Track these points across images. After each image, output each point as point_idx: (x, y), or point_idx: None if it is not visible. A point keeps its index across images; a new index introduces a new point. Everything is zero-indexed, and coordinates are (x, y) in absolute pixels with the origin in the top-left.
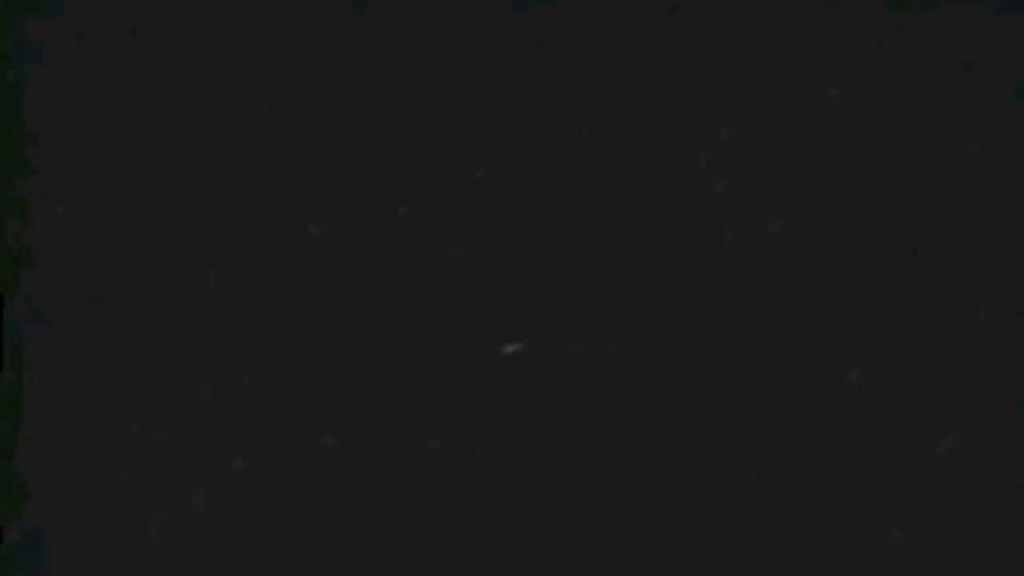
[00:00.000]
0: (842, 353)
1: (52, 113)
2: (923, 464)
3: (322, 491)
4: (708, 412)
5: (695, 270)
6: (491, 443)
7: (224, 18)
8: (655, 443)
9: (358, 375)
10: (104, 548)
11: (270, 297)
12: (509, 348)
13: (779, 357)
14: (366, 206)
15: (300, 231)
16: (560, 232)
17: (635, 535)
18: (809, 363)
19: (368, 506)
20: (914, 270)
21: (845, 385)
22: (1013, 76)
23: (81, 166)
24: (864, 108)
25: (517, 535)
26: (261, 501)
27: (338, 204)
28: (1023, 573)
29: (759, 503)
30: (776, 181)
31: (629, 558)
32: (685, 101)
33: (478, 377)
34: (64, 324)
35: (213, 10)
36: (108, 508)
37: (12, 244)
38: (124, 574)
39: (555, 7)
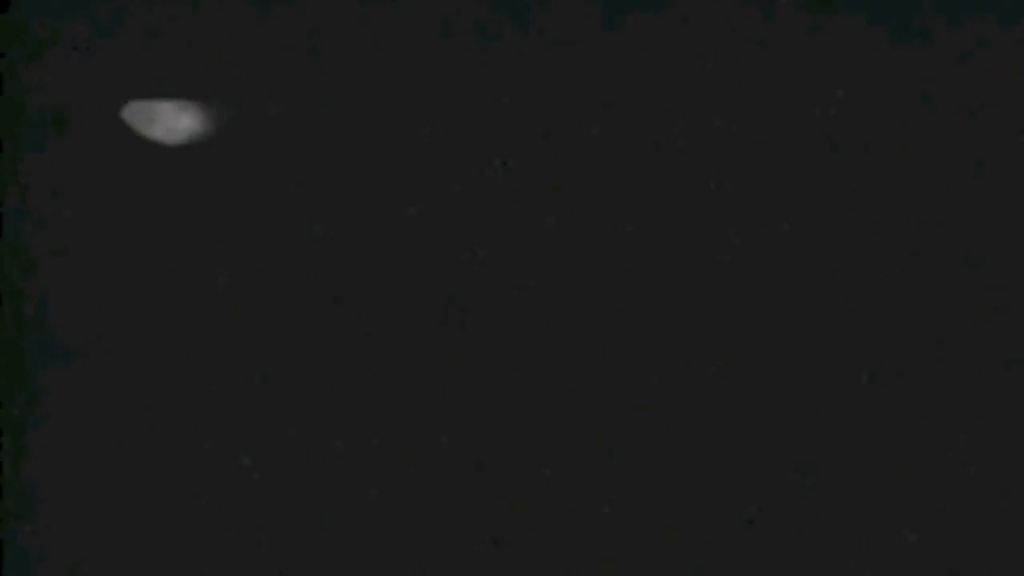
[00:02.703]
0: (853, 355)
1: (54, 113)
2: (933, 466)
3: (331, 491)
4: (718, 413)
5: (704, 271)
6: (502, 443)
7: (228, 17)
8: (664, 446)
9: (367, 375)
10: (110, 547)
11: (279, 298)
12: None
13: (789, 359)
14: (375, 206)
15: (308, 232)
16: (570, 231)
17: (644, 538)
18: (819, 365)
19: (376, 505)
20: (925, 272)
21: (855, 387)
22: (1019, 76)
23: (85, 168)
24: (870, 108)
25: (526, 534)
26: (269, 500)
27: (346, 205)
28: None
29: (769, 505)
30: (785, 181)
31: (639, 561)
32: (692, 100)
33: (487, 376)
34: (70, 325)
35: (217, 9)
36: (114, 508)
37: (18, 245)
38: (130, 573)
39: (562, 4)
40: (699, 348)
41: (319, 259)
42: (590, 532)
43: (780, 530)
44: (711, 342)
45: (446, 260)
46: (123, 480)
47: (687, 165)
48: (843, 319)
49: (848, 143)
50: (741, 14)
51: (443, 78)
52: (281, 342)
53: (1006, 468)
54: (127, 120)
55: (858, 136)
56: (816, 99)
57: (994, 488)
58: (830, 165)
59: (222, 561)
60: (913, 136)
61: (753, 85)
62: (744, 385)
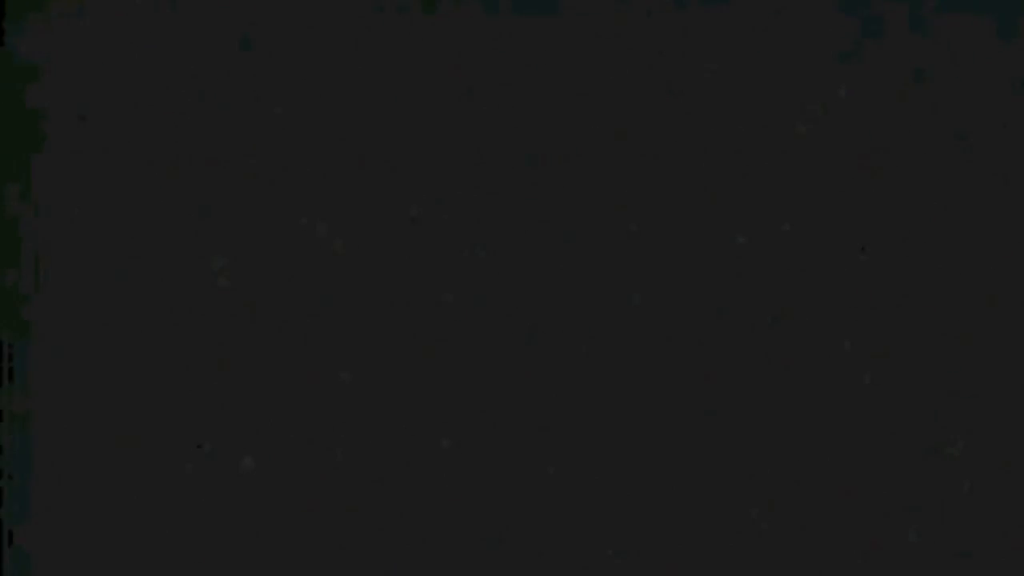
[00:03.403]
0: (856, 356)
1: (58, 113)
2: (937, 466)
3: (333, 492)
4: (720, 414)
5: (708, 271)
6: (504, 443)
7: (231, 15)
8: (666, 447)
9: (369, 376)
10: (111, 548)
11: (282, 299)
12: None
13: (792, 360)
14: (377, 207)
15: (309, 232)
16: (573, 232)
17: (646, 541)
18: (823, 366)
19: (378, 508)
20: (928, 271)
21: (858, 388)
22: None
23: (90, 166)
24: (873, 106)
25: (531, 535)
26: (271, 501)
27: (349, 205)
28: None
29: (772, 506)
30: (786, 181)
31: (641, 561)
32: (694, 101)
33: (489, 377)
34: (72, 322)
35: (221, 7)
36: (115, 508)
37: (25, 242)
38: (131, 573)
39: (566, 6)
40: (701, 348)
41: (321, 261)
42: (593, 533)
43: (787, 532)
44: (713, 341)
45: (448, 261)
46: (123, 481)
47: (688, 165)
48: (846, 320)
49: (849, 143)
50: (742, 13)
51: (446, 76)
52: (284, 343)
53: (1009, 468)
54: None
55: (860, 136)
56: (817, 98)
57: (997, 489)
58: (831, 164)
59: (226, 561)
60: (917, 136)
61: (754, 85)
62: (747, 386)
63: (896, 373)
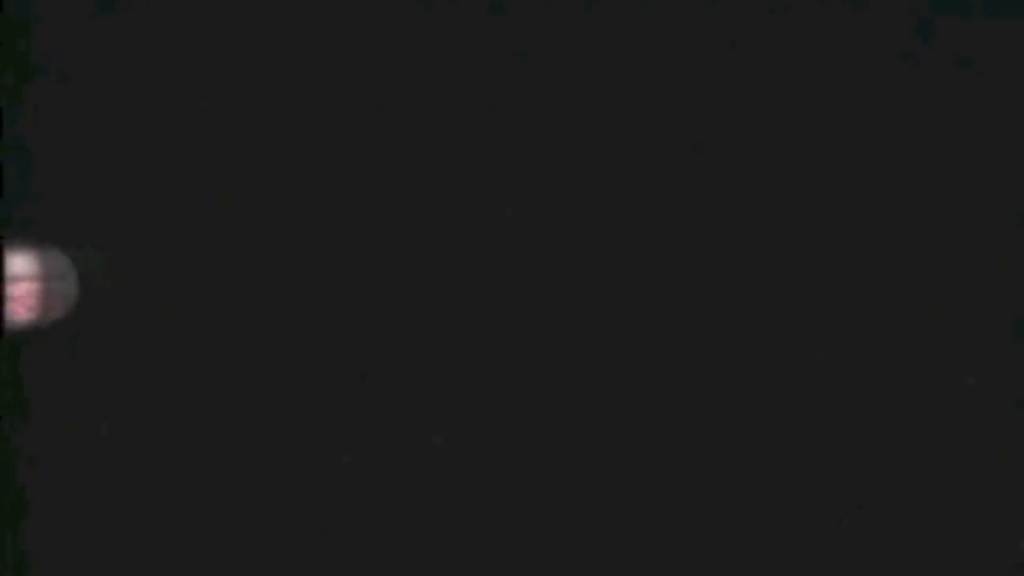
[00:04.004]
0: (860, 357)
1: (63, 110)
2: (942, 460)
3: (428, 490)
4: (718, 413)
5: (716, 270)
6: (570, 440)
7: (276, 15)
8: (666, 442)
9: (462, 374)
10: (110, 548)
11: (374, 299)
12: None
13: (793, 359)
14: (468, 208)
15: (407, 234)
16: (577, 231)
17: (652, 537)
18: (824, 365)
19: (472, 504)
20: (927, 270)
21: (865, 388)
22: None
23: (113, 165)
24: (872, 107)
25: (610, 536)
26: (369, 498)
27: (441, 205)
28: None
29: (772, 506)
30: (782, 179)
31: (640, 561)
32: (696, 99)
33: (574, 377)
34: (162, 323)
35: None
36: (114, 508)
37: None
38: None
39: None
40: (703, 348)
41: (411, 260)
42: (591, 533)
43: (795, 525)
44: (715, 341)
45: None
46: (123, 483)
47: (708, 167)
48: (845, 320)
49: (850, 142)
50: (742, 12)
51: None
52: (380, 342)
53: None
54: None
55: (874, 131)
56: (817, 97)
57: (1004, 482)
58: (831, 164)
59: (325, 557)
60: (933, 130)
61: (754, 84)
62: (745, 386)
63: (901, 372)
